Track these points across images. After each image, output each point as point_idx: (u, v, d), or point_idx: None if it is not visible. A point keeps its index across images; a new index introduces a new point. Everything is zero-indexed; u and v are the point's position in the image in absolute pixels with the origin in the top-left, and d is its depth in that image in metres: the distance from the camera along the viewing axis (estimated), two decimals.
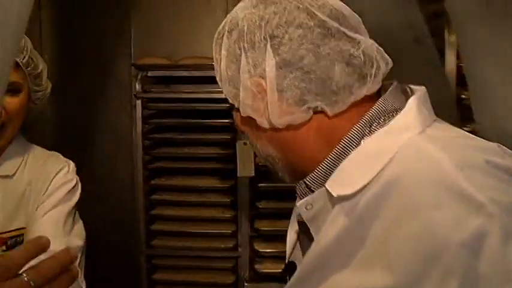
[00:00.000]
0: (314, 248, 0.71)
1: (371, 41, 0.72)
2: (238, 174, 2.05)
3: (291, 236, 0.85)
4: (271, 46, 0.68)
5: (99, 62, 2.59)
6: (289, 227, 0.87)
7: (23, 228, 1.22)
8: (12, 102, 1.22)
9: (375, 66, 0.69)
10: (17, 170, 1.26)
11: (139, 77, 2.28)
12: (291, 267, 0.81)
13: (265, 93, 0.70)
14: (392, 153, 0.63)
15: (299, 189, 0.76)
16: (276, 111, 0.71)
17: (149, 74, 2.29)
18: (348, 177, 0.67)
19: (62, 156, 1.40)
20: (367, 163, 0.65)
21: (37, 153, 1.38)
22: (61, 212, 1.24)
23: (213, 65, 0.81)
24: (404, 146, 0.64)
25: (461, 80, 1.77)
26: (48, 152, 1.40)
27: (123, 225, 2.58)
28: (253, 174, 2.04)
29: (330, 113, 0.70)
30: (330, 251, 0.68)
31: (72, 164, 1.39)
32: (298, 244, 0.84)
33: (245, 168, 2.00)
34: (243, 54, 0.71)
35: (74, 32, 2.62)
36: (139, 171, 2.34)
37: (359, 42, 0.69)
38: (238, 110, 0.78)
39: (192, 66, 2.19)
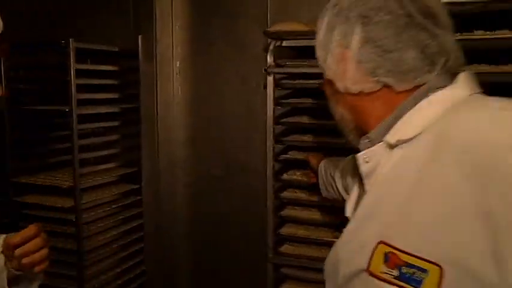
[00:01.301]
0: (368, 198, 0.85)
1: (451, 37, 0.83)
2: None
3: (353, 195, 0.95)
4: (361, 23, 0.81)
5: (231, 30, 2.22)
6: (352, 190, 0.97)
7: None
8: None
9: (445, 58, 0.81)
10: None
11: (271, 47, 1.85)
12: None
13: (346, 61, 0.83)
14: (443, 109, 0.77)
15: (362, 145, 0.88)
16: (352, 78, 0.84)
17: (284, 43, 1.84)
18: (405, 128, 0.80)
19: None
20: (422, 117, 0.79)
21: None
22: None
23: None
24: (454, 104, 0.77)
25: None
26: None
27: (249, 224, 2.24)
28: None
29: (397, 89, 0.82)
30: (384, 195, 0.81)
31: None
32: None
33: None
34: (337, 26, 0.85)
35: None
36: (269, 162, 1.94)
37: (437, 35, 0.80)
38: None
39: None
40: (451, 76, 0.83)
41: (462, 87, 0.81)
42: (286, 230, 1.95)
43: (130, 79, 2.31)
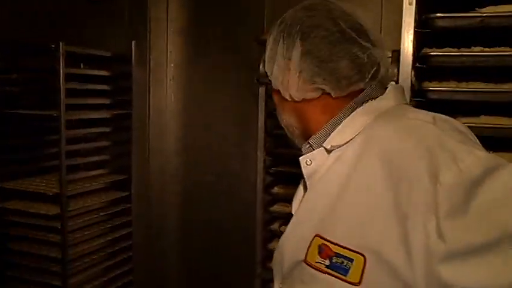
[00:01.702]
0: (307, 196, 0.95)
1: (381, 51, 0.95)
2: None
3: (299, 194, 1.04)
4: (300, 39, 0.93)
5: (227, 37, 2.17)
6: (298, 189, 1.05)
7: None
8: None
9: (374, 68, 0.93)
10: None
11: (264, 56, 1.79)
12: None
13: (290, 71, 0.95)
14: (372, 118, 0.88)
15: (304, 149, 0.99)
16: (295, 86, 0.95)
17: None
18: (339, 136, 0.90)
19: None
20: (353, 125, 0.89)
21: None
22: None
23: None
24: (381, 113, 0.88)
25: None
26: None
27: (240, 235, 2.18)
28: None
29: (333, 95, 0.93)
30: (320, 193, 0.92)
31: None
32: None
33: None
34: (281, 41, 0.96)
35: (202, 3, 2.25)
36: (260, 174, 1.88)
37: (367, 48, 0.92)
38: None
39: None
40: (384, 88, 0.96)
41: (389, 98, 0.93)
42: (275, 245, 1.89)
43: (123, 85, 2.25)
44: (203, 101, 2.27)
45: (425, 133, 0.78)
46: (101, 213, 2.24)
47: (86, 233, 2.17)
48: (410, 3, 1.27)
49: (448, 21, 1.24)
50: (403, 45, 1.30)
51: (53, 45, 1.95)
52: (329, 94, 0.93)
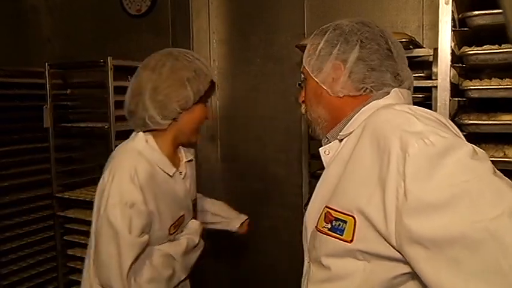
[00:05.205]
0: (322, 176, 1.10)
1: (406, 66, 1.15)
2: None
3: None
4: (359, 46, 1.09)
5: (269, 44, 2.20)
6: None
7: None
8: None
9: (401, 79, 1.12)
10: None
11: None
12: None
13: (340, 71, 1.09)
14: (372, 112, 1.03)
15: (323, 142, 1.15)
16: (343, 83, 1.09)
17: None
18: (348, 128, 1.07)
19: None
20: (359, 119, 1.06)
21: None
22: None
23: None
24: (379, 108, 1.03)
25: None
26: None
27: (287, 238, 2.20)
28: None
29: (374, 96, 1.09)
30: (331, 173, 1.07)
31: None
32: None
33: None
34: (339, 44, 1.10)
35: (243, 10, 2.29)
36: (305, 178, 1.90)
37: (402, 69, 1.12)
38: (305, 82, 1.21)
39: None
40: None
41: (389, 97, 1.08)
42: None
43: None
44: (248, 107, 2.31)
45: (403, 119, 0.94)
46: None
47: None
48: (446, 3, 1.25)
49: (486, 18, 1.21)
50: (441, 44, 1.28)
51: (101, 61, 2.05)
52: (367, 94, 1.10)
